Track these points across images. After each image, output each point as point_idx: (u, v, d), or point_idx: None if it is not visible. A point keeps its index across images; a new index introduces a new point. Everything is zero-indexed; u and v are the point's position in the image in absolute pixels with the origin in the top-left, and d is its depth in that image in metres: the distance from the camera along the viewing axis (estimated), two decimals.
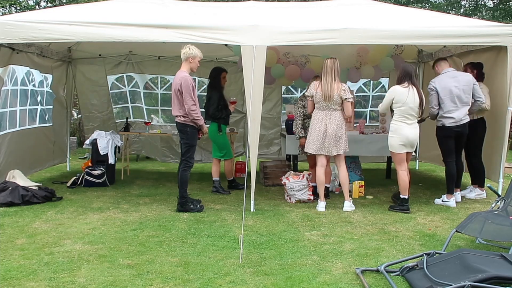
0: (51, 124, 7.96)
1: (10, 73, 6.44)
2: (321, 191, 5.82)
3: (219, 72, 6.80)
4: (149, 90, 9.83)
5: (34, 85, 7.39)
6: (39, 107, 7.56)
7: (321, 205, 5.75)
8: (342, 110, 5.78)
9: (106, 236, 4.57)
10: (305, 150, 6.03)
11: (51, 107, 8.01)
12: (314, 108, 5.87)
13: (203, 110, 6.68)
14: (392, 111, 5.77)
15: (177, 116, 5.58)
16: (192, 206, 5.61)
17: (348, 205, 5.77)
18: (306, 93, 5.99)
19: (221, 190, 6.74)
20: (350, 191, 6.48)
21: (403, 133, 5.61)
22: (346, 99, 5.70)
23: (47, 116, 7.83)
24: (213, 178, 6.83)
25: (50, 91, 7.94)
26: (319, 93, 5.72)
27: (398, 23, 5.94)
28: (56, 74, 8.00)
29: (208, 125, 6.60)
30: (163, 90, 9.59)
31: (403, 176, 5.66)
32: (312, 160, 6.41)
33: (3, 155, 6.33)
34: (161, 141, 9.28)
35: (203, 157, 9.11)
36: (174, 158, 9.18)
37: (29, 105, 7.25)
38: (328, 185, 6.46)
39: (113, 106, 9.23)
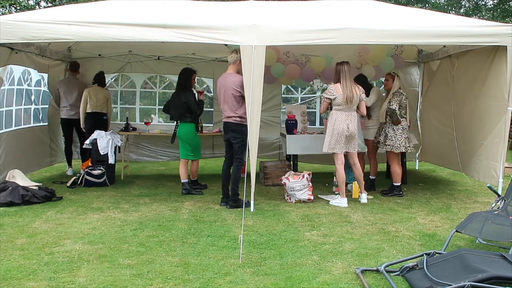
0: (46, 124, 7.94)
1: (8, 73, 6.44)
2: (342, 188, 6.07)
3: (191, 74, 6.75)
4: (147, 89, 9.79)
5: (29, 84, 7.39)
6: (32, 106, 7.54)
7: (344, 201, 6.01)
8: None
9: (106, 236, 4.57)
10: (330, 151, 6.12)
11: (47, 106, 8.00)
12: (327, 109, 6.18)
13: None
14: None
15: (231, 116, 5.76)
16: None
17: (364, 197, 6.19)
18: (325, 96, 6.13)
19: (193, 191, 6.68)
20: (350, 191, 6.52)
21: None
22: (362, 99, 6.10)
23: (41, 115, 7.81)
24: (182, 181, 6.68)
25: (47, 90, 7.93)
26: (342, 96, 5.96)
27: (398, 23, 5.93)
28: (52, 73, 7.97)
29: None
30: (162, 89, 9.58)
31: None
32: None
33: (0, 154, 6.33)
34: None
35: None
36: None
37: (24, 105, 7.25)
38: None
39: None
